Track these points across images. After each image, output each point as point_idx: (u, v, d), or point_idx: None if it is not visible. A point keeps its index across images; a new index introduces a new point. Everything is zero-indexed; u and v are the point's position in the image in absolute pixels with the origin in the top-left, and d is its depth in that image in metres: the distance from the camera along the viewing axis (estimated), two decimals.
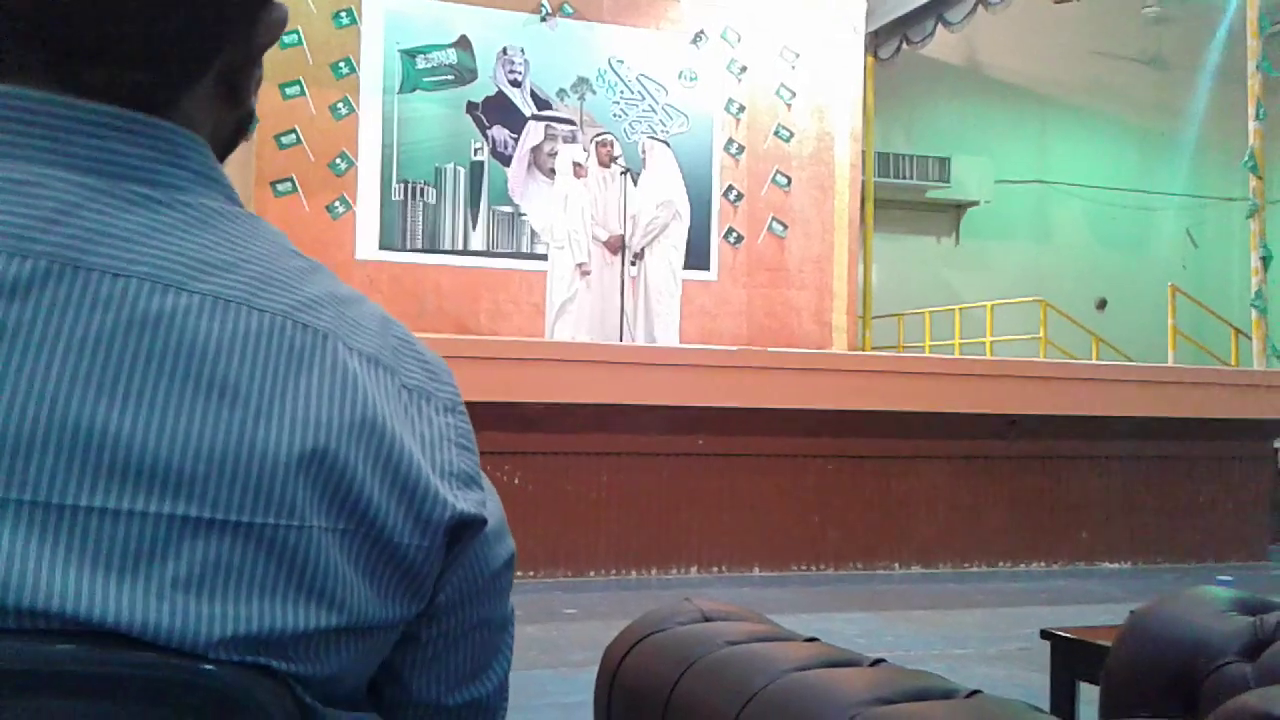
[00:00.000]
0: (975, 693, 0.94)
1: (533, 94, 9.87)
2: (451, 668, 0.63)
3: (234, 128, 0.65)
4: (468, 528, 0.60)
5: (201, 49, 0.58)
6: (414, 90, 9.51)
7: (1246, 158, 8.68)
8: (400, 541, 0.56)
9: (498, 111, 9.75)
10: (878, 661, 1.07)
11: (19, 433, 0.48)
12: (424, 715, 0.64)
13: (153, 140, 0.56)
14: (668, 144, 8.28)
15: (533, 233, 9.57)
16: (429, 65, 9.56)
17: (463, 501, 0.59)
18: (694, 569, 6.34)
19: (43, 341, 0.49)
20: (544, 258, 8.41)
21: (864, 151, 11.17)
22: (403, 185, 9.44)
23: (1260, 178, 8.65)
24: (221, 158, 0.63)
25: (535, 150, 9.81)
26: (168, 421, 0.50)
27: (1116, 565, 7.14)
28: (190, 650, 0.49)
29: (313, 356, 0.54)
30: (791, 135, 10.60)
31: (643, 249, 7.87)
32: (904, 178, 12.78)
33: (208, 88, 0.60)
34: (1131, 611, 1.55)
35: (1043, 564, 7.00)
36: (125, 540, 0.49)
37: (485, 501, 0.61)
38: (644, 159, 8.03)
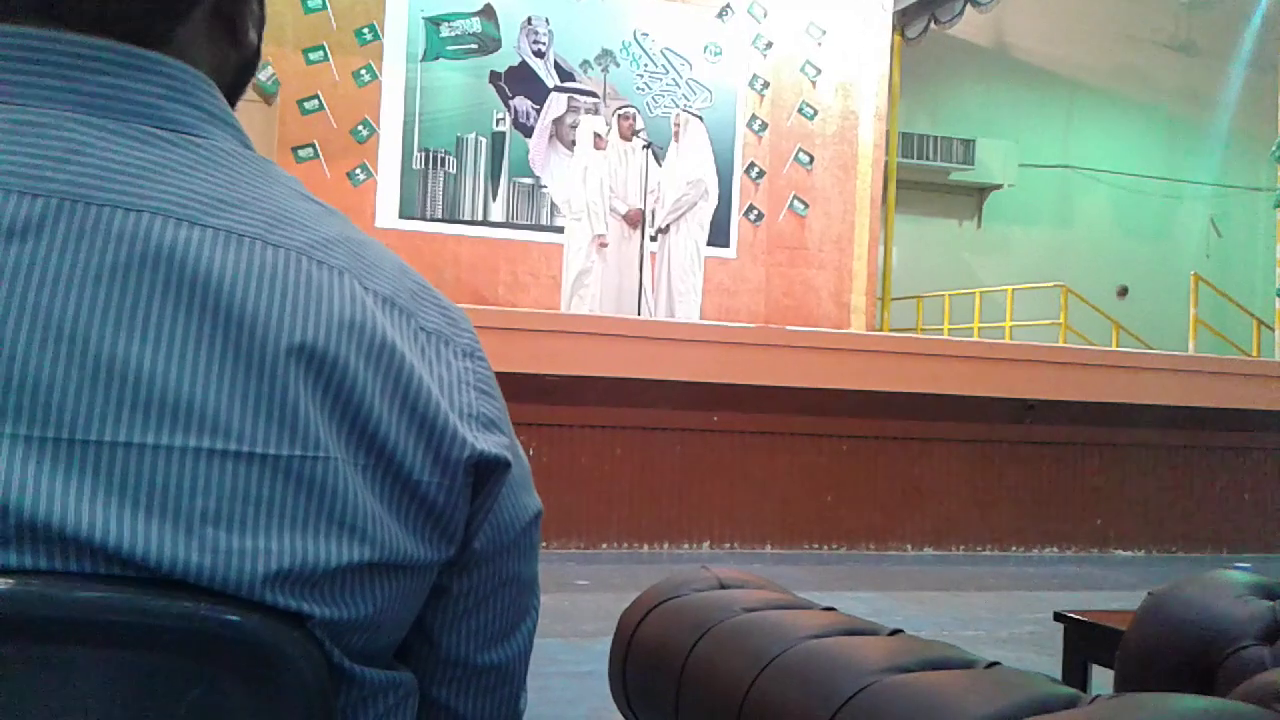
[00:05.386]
0: (994, 664, 0.94)
1: (556, 65, 9.82)
2: (482, 624, 0.63)
3: (238, 69, 0.64)
4: (492, 470, 0.59)
5: None
6: (437, 58, 9.47)
7: (1275, 147, 8.58)
8: (420, 479, 0.55)
9: (520, 82, 9.71)
10: (896, 632, 1.07)
11: (39, 368, 0.47)
12: (453, 675, 0.64)
13: (161, 78, 0.56)
14: (701, 119, 8.18)
15: (553, 205, 9.55)
16: (453, 33, 9.52)
17: (483, 442, 0.58)
18: (706, 544, 6.35)
19: (58, 277, 0.48)
20: (563, 230, 8.39)
21: (888, 131, 11.08)
22: (424, 154, 9.43)
23: None
24: (229, 101, 0.62)
25: (557, 122, 9.78)
26: (187, 353, 0.49)
27: (1130, 553, 7.11)
28: (222, 589, 0.49)
29: (331, 290, 0.54)
30: (815, 113, 10.52)
31: (668, 225, 7.83)
32: (927, 159, 12.70)
33: (202, 22, 0.59)
34: (1149, 593, 1.54)
35: (1056, 549, 6.98)
36: (153, 475, 0.48)
37: (509, 445, 0.61)
38: (676, 131, 7.91)
